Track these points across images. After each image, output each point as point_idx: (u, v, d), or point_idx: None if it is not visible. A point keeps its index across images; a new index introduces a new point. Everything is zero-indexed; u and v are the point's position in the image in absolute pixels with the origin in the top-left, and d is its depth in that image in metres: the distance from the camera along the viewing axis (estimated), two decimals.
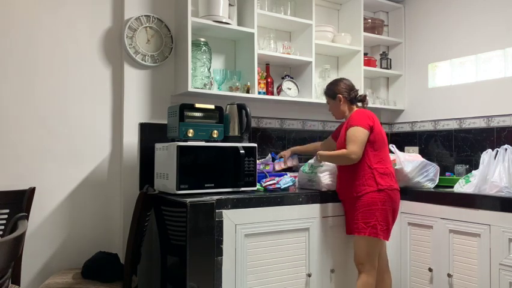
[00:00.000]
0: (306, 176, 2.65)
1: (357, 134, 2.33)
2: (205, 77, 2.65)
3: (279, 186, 2.47)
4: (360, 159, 2.35)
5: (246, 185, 2.38)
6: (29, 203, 2.22)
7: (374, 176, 2.34)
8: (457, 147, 3.14)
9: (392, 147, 2.66)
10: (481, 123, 3.00)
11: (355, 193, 2.38)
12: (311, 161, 2.63)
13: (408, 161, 2.65)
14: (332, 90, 2.57)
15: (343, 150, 2.35)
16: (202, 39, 2.65)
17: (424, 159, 2.72)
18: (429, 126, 3.34)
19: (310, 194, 2.46)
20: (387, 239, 2.40)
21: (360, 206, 2.36)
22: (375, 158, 2.37)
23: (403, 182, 2.63)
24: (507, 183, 2.36)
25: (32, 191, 2.24)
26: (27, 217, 2.02)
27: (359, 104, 2.58)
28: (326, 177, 2.56)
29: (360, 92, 2.69)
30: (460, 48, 3.16)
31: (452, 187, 2.64)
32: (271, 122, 3.13)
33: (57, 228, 2.41)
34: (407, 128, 3.52)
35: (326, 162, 2.56)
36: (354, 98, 2.55)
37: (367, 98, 2.61)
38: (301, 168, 2.72)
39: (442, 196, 2.52)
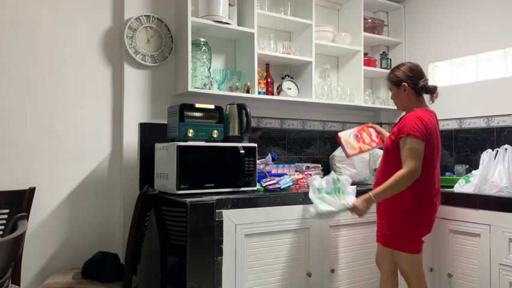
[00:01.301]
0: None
1: (411, 145, 2.03)
2: (205, 77, 2.65)
3: (279, 186, 2.47)
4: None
5: (246, 185, 2.38)
6: (29, 203, 2.22)
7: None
8: (457, 147, 3.14)
9: None
10: (481, 123, 3.00)
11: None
12: (343, 202, 2.12)
13: None
14: (397, 75, 2.21)
15: (403, 172, 2.02)
16: (202, 39, 2.65)
17: None
18: None
19: None
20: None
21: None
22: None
23: None
24: (507, 183, 2.36)
25: (32, 191, 2.24)
26: (27, 217, 2.02)
27: (425, 96, 2.23)
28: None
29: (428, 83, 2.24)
30: (460, 48, 3.16)
31: (452, 187, 2.64)
32: (271, 122, 3.13)
33: (57, 228, 2.41)
34: None
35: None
36: (422, 88, 2.17)
37: (437, 90, 2.20)
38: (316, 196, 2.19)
39: (442, 196, 2.51)
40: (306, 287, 2.42)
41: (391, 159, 2.18)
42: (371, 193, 2.08)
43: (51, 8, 2.41)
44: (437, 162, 2.18)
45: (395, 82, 2.22)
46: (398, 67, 2.25)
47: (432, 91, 2.19)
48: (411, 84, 2.17)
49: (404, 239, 2.14)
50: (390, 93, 2.36)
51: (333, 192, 2.16)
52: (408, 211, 2.11)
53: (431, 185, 2.14)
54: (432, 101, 2.22)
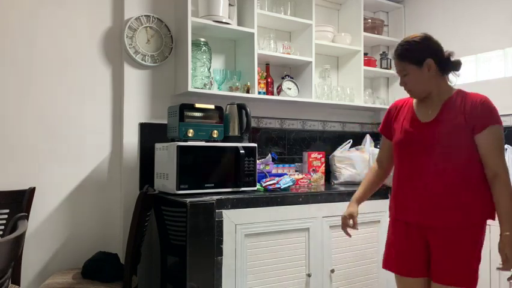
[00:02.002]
0: None
1: (500, 138, 1.63)
2: (205, 77, 2.65)
3: (279, 186, 2.47)
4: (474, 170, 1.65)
5: (246, 185, 2.38)
6: (29, 203, 2.22)
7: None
8: None
9: None
10: None
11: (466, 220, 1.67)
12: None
13: None
14: (420, 51, 1.67)
15: (502, 184, 1.59)
16: (202, 39, 2.65)
17: None
18: None
19: (310, 194, 2.46)
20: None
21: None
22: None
23: None
24: None
25: (32, 191, 2.24)
26: (27, 217, 2.02)
27: (450, 75, 1.75)
28: None
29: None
30: (460, 48, 3.15)
31: None
32: (271, 122, 3.13)
33: (57, 228, 2.41)
34: None
35: None
36: (448, 63, 1.69)
37: (461, 64, 1.72)
38: None
39: None
40: (306, 287, 2.42)
41: (465, 153, 1.65)
42: (508, 231, 1.59)
43: (51, 8, 2.41)
44: None
45: (416, 60, 1.66)
46: (414, 40, 1.69)
47: (458, 66, 1.72)
48: (436, 59, 1.66)
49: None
50: (399, 79, 1.76)
51: None
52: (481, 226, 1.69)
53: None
54: (456, 80, 1.77)
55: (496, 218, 1.67)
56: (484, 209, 1.67)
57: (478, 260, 1.67)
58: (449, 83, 1.76)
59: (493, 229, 2.24)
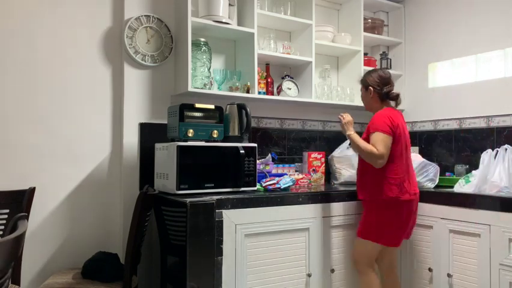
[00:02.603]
0: None
1: (379, 138, 2.28)
2: (205, 77, 2.65)
3: (279, 186, 2.47)
4: (373, 167, 2.35)
5: (246, 185, 2.38)
6: (29, 203, 2.22)
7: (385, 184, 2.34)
8: (456, 147, 3.14)
9: None
10: (481, 123, 3.00)
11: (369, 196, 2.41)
12: None
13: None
14: (366, 80, 2.49)
15: (374, 149, 2.27)
16: (202, 39, 2.65)
17: (424, 159, 2.72)
18: (429, 126, 3.34)
19: (310, 194, 2.46)
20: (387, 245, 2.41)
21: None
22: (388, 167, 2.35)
23: None
24: (507, 183, 2.36)
25: (32, 191, 2.24)
26: (27, 217, 2.02)
27: (391, 102, 2.49)
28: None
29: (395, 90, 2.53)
30: (460, 48, 3.16)
31: (452, 187, 2.64)
32: (271, 122, 3.13)
33: (57, 228, 2.41)
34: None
35: None
36: (386, 94, 2.44)
37: (400, 97, 2.48)
38: None
39: (442, 196, 2.52)
40: (306, 287, 2.42)
41: None
42: (351, 134, 2.40)
43: (52, 8, 2.41)
44: (406, 156, 2.39)
45: (364, 84, 2.50)
46: (369, 73, 2.51)
47: (394, 98, 2.46)
48: (377, 89, 2.43)
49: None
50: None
51: None
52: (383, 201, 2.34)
53: (402, 173, 2.34)
54: (396, 107, 2.49)
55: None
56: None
57: None
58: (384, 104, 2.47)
59: (492, 229, 2.24)
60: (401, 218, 2.34)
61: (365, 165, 2.41)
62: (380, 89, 2.43)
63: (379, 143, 2.27)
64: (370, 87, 2.45)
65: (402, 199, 2.32)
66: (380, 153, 2.26)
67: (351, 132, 2.41)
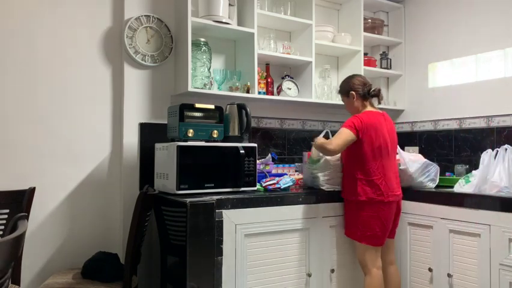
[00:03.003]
0: (308, 172, 2.65)
1: (342, 132, 2.36)
2: (205, 77, 2.65)
3: (279, 186, 2.47)
4: (349, 167, 2.46)
5: (246, 185, 2.38)
6: (29, 203, 2.22)
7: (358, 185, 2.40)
8: (457, 147, 3.14)
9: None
10: (481, 123, 3.00)
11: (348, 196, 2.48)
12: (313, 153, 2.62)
13: (412, 162, 2.65)
14: (344, 87, 2.55)
15: (327, 141, 2.39)
16: (202, 39, 2.65)
17: (426, 160, 2.72)
18: (429, 126, 3.34)
19: (311, 194, 2.46)
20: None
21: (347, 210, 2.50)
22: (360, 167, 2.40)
23: (407, 182, 2.64)
24: (507, 183, 2.36)
25: (32, 191, 2.24)
26: (27, 217, 2.02)
27: (373, 100, 2.54)
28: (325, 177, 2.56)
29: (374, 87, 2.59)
30: (460, 48, 3.16)
31: (452, 187, 2.64)
32: (271, 122, 3.13)
33: (57, 228, 2.41)
34: (407, 128, 3.52)
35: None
36: (367, 93, 2.50)
37: (381, 92, 2.54)
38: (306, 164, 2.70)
39: (442, 196, 2.52)
40: (306, 287, 2.42)
41: (348, 156, 2.49)
42: (319, 140, 2.44)
43: (51, 8, 2.41)
44: (386, 158, 2.41)
45: (344, 93, 2.56)
46: (345, 81, 2.57)
47: (377, 94, 2.50)
48: (359, 91, 2.49)
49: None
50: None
51: None
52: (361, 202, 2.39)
53: (375, 174, 2.38)
54: (379, 103, 2.59)
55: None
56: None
57: None
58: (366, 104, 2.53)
59: (492, 229, 2.24)
60: (379, 219, 2.36)
61: (344, 165, 2.52)
62: (361, 90, 2.49)
63: (336, 135, 2.37)
64: (352, 92, 2.50)
65: (377, 200, 2.35)
66: (330, 142, 2.35)
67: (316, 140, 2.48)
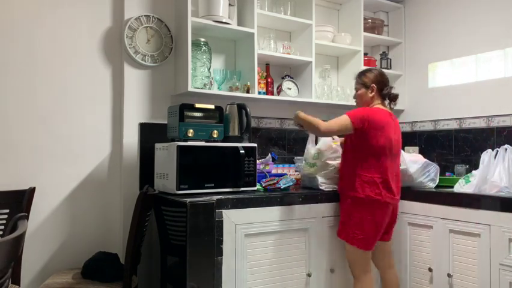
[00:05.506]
0: (306, 173, 2.63)
1: (341, 118, 2.33)
2: (205, 77, 2.65)
3: (279, 186, 2.47)
4: (350, 162, 2.39)
5: (246, 185, 2.38)
6: (29, 203, 2.22)
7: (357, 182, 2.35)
8: (457, 147, 3.14)
9: None
10: (481, 123, 3.00)
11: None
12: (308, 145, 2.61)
13: (413, 162, 2.65)
14: (370, 77, 2.45)
15: (321, 121, 2.36)
16: (202, 39, 2.65)
17: (426, 160, 2.72)
18: (429, 126, 3.34)
19: (310, 194, 2.46)
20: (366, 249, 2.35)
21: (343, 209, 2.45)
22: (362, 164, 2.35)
23: (407, 182, 2.63)
24: (507, 183, 2.36)
25: (32, 191, 2.24)
26: (27, 217, 2.02)
27: (386, 102, 2.49)
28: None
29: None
30: (460, 48, 3.16)
31: (452, 187, 2.64)
32: (271, 122, 3.13)
33: (57, 228, 2.41)
34: (407, 128, 3.52)
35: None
36: (387, 94, 2.45)
37: (397, 99, 2.51)
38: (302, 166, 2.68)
39: (442, 196, 2.52)
40: (306, 287, 2.42)
41: (351, 150, 2.42)
42: (301, 113, 2.42)
43: (51, 8, 2.41)
44: (389, 159, 2.35)
45: (365, 82, 2.45)
46: (372, 72, 2.48)
47: (394, 99, 2.48)
48: (379, 87, 2.43)
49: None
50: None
51: None
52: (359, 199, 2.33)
53: (376, 173, 2.32)
54: (391, 108, 2.50)
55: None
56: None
57: None
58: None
59: (492, 229, 2.24)
60: (373, 222, 2.30)
61: (344, 156, 2.47)
62: (381, 88, 2.44)
63: (334, 119, 2.34)
64: (373, 85, 2.43)
65: (374, 198, 2.29)
66: (324, 122, 2.33)
67: (297, 112, 2.43)
